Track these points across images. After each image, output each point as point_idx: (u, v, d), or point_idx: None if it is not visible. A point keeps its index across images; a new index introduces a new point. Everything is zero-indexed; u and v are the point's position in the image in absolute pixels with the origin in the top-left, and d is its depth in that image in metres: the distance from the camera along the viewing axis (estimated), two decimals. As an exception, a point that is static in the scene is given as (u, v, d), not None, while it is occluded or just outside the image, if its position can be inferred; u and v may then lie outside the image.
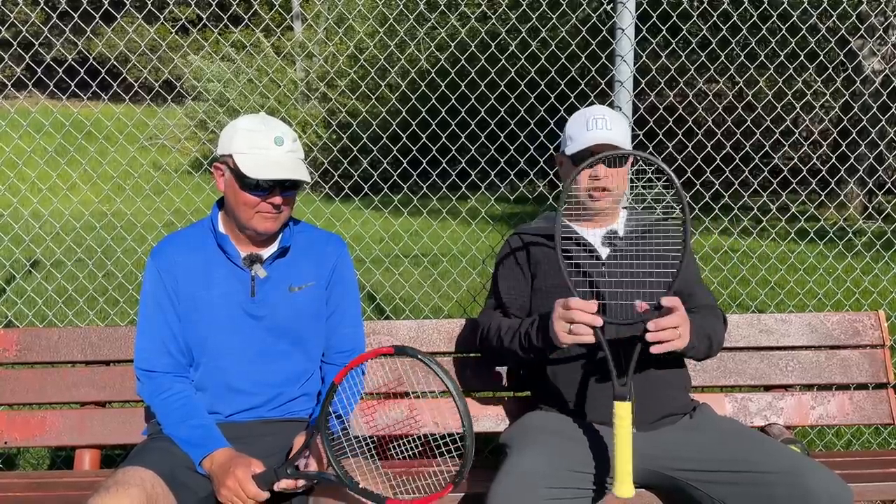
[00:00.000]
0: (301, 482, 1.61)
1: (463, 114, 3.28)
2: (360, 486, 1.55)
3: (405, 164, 3.48)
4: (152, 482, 1.56)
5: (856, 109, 3.82)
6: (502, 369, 2.25)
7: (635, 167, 1.94)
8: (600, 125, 1.88)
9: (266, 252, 1.86)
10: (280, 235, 1.89)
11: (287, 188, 1.76)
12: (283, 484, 1.60)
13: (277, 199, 1.75)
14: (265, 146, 1.73)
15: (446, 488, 1.47)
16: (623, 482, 1.56)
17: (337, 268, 1.94)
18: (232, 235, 1.85)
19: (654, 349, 1.61)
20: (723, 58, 3.74)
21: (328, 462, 1.58)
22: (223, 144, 1.78)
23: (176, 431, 1.75)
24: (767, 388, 2.31)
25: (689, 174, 3.59)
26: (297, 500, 1.67)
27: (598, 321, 1.60)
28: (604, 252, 1.95)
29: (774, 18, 3.53)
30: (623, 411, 1.58)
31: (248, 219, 1.76)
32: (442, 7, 3.71)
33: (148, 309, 1.84)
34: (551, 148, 2.23)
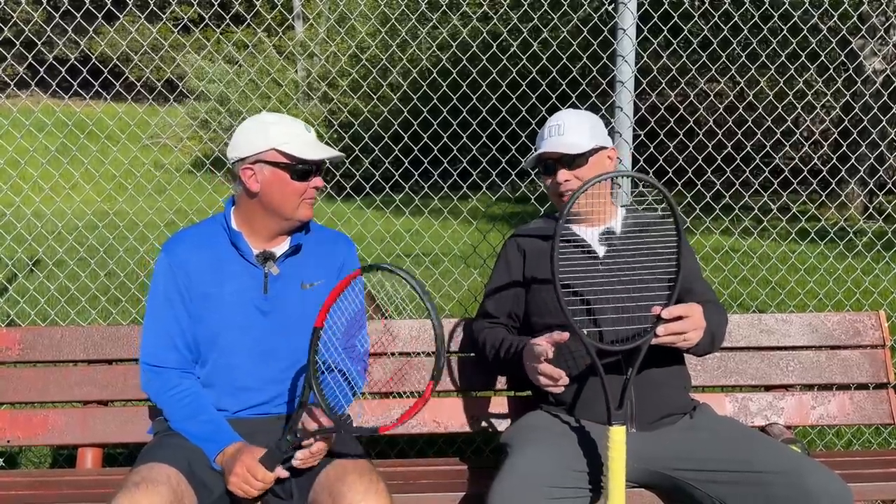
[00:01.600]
0: (310, 442, 1.62)
1: (464, 113, 3.29)
2: (354, 424, 1.58)
3: (406, 164, 3.49)
4: (177, 480, 1.57)
5: (857, 110, 3.82)
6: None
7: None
8: (553, 132, 1.95)
9: (278, 249, 1.87)
10: (293, 233, 1.90)
11: (321, 171, 1.84)
12: (300, 455, 1.62)
13: (320, 182, 1.83)
14: (301, 133, 1.80)
15: (427, 387, 1.45)
16: (616, 502, 1.57)
17: (345, 266, 1.95)
18: (246, 232, 1.85)
19: (654, 341, 1.65)
20: (724, 58, 3.74)
21: (325, 411, 1.60)
22: (252, 144, 1.78)
23: (186, 427, 1.76)
24: (768, 388, 2.31)
25: (690, 174, 3.59)
26: (299, 483, 1.68)
27: (559, 390, 1.66)
28: (601, 250, 1.95)
29: (776, 19, 3.53)
30: (618, 436, 1.58)
31: (294, 209, 1.80)
32: (444, 7, 3.71)
33: (157, 304, 1.84)
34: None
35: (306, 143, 1.78)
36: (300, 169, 1.77)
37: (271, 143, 1.76)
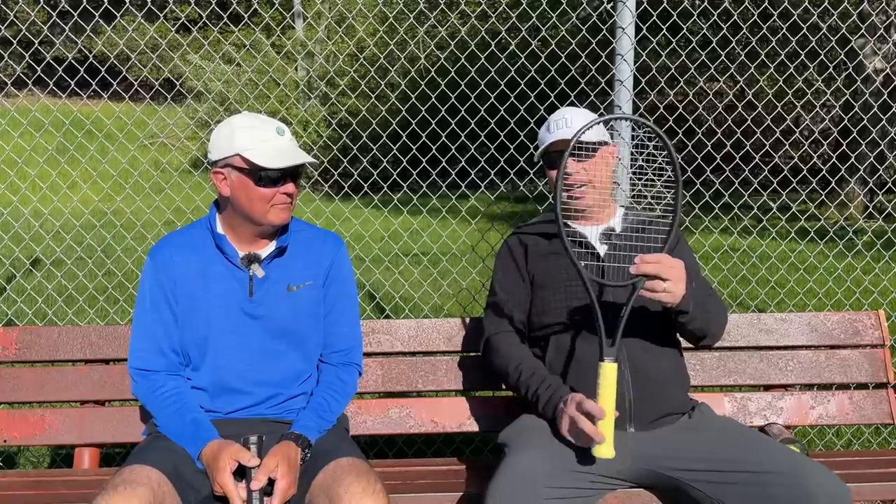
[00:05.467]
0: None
1: (463, 112, 3.28)
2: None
3: (405, 163, 3.48)
4: (159, 481, 1.56)
5: (857, 108, 3.81)
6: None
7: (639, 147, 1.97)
8: (560, 125, 1.94)
9: (264, 251, 1.85)
10: (278, 235, 1.88)
11: (295, 175, 1.78)
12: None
13: (291, 188, 1.77)
14: (269, 138, 1.74)
15: None
16: (605, 443, 1.61)
17: (334, 266, 1.93)
18: (230, 235, 1.84)
19: (642, 293, 1.65)
20: (723, 57, 3.74)
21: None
22: (221, 148, 1.76)
23: (170, 427, 1.76)
24: (767, 388, 2.31)
25: (689, 173, 3.58)
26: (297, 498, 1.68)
27: (600, 438, 1.61)
28: (602, 249, 1.95)
29: (775, 17, 3.52)
30: (609, 372, 1.63)
31: (263, 214, 1.76)
32: (442, 6, 3.70)
33: (143, 309, 1.84)
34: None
35: (273, 149, 1.72)
36: (265, 175, 1.72)
37: (236, 149, 1.73)
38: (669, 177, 1.74)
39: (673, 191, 1.71)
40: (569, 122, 1.94)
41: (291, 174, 1.77)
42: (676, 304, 1.69)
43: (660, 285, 1.64)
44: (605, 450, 1.62)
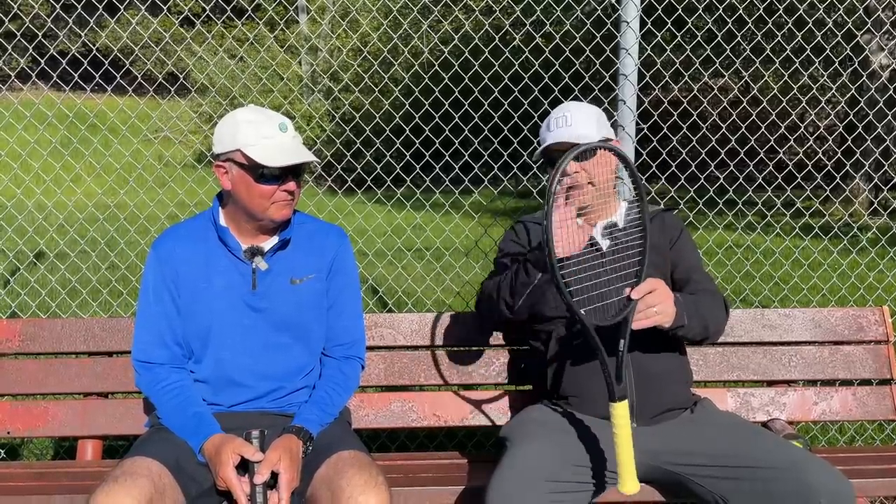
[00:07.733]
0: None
1: (467, 107, 3.27)
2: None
3: (408, 158, 3.47)
4: (160, 473, 1.57)
5: (862, 104, 3.80)
6: (504, 361, 2.25)
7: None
8: (560, 123, 1.92)
9: (267, 244, 1.85)
10: (280, 228, 1.88)
11: (297, 173, 1.77)
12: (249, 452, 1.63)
13: (292, 186, 1.76)
14: (272, 134, 1.73)
15: None
16: (629, 479, 1.57)
17: (337, 258, 1.93)
18: (233, 228, 1.84)
19: (633, 325, 1.63)
20: (728, 52, 3.71)
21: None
22: (224, 141, 1.75)
23: (172, 421, 1.76)
24: (770, 384, 2.30)
25: (693, 168, 3.57)
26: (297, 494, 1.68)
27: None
28: (604, 244, 1.95)
29: (781, 12, 3.50)
30: (622, 411, 1.58)
31: (263, 210, 1.76)
32: (446, 0, 3.69)
33: (147, 300, 1.84)
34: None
35: (275, 147, 1.71)
36: (265, 172, 1.71)
37: (237, 144, 1.71)
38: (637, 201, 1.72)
39: (640, 217, 1.69)
40: (569, 120, 1.92)
41: (293, 171, 1.75)
42: (672, 322, 1.69)
43: (651, 311, 1.64)
44: (630, 485, 1.58)
